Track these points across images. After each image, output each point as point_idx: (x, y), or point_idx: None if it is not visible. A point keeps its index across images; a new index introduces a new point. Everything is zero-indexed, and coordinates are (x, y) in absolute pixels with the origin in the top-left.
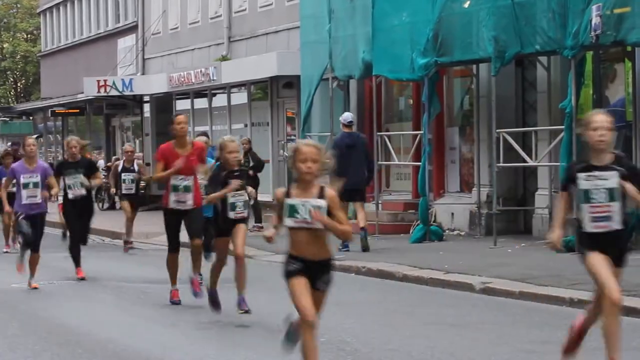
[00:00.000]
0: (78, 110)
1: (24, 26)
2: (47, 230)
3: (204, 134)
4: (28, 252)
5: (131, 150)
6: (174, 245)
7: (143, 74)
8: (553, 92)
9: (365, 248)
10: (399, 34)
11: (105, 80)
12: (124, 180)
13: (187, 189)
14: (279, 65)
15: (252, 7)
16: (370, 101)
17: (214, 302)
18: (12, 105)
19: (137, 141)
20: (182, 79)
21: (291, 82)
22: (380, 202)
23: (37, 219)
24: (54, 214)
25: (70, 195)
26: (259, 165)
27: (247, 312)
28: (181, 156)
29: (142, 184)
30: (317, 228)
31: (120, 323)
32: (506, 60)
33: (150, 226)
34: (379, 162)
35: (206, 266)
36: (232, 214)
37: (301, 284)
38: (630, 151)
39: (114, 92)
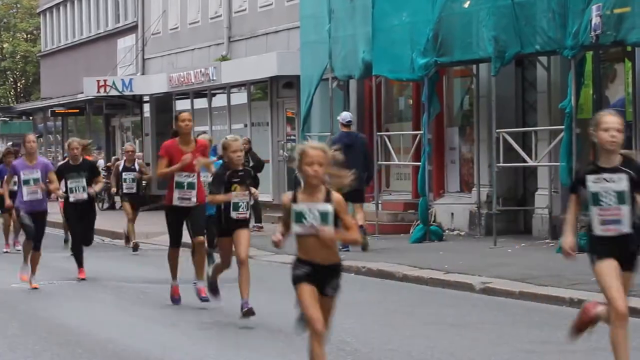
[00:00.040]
0: (78, 110)
1: (24, 26)
2: (48, 230)
3: (205, 133)
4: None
5: (132, 150)
6: (175, 241)
7: (143, 74)
8: (553, 92)
9: (364, 247)
10: (399, 34)
11: (105, 80)
12: (125, 179)
13: (191, 185)
14: (278, 65)
15: (252, 7)
16: (370, 101)
17: (214, 291)
18: (12, 105)
19: (137, 141)
20: (182, 79)
21: (291, 82)
22: (380, 202)
23: (38, 217)
24: (55, 214)
25: (71, 199)
26: (259, 165)
27: (251, 312)
28: (187, 153)
29: (144, 183)
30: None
31: (120, 323)
32: (506, 60)
33: (150, 226)
34: (379, 162)
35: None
36: (234, 214)
37: (309, 291)
38: None
39: (113, 92)
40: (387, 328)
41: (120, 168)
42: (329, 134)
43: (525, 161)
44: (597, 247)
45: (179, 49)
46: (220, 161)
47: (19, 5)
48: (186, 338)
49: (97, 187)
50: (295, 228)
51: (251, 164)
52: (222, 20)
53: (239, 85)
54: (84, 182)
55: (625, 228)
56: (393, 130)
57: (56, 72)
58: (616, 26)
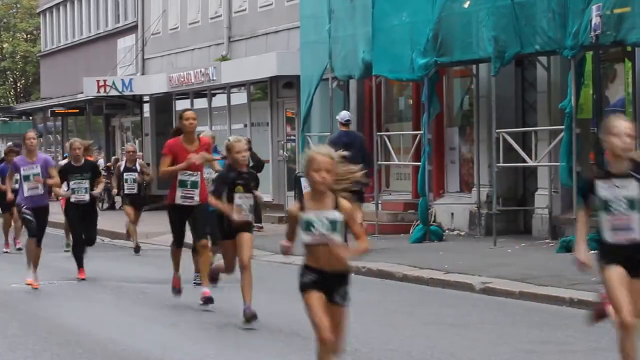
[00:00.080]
0: (78, 111)
1: (24, 26)
2: (48, 230)
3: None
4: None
5: (133, 150)
6: (178, 241)
7: (143, 74)
8: (553, 92)
9: None
10: (399, 34)
11: (105, 80)
12: (127, 180)
13: (194, 184)
14: (278, 65)
15: (252, 7)
16: (370, 101)
17: (214, 280)
18: (11, 105)
19: (137, 141)
20: (182, 79)
21: (291, 82)
22: (380, 202)
23: (39, 213)
24: (56, 214)
25: (72, 199)
26: (259, 165)
27: (254, 316)
28: (191, 151)
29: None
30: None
31: (120, 323)
32: (506, 60)
33: (151, 226)
34: (379, 162)
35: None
36: (237, 216)
37: (317, 299)
38: None
39: (113, 92)
40: (387, 328)
41: (122, 169)
42: (329, 134)
43: (525, 161)
44: (606, 253)
45: (179, 49)
46: (224, 161)
47: (19, 5)
48: (186, 338)
49: (98, 188)
50: (305, 237)
51: (251, 164)
52: (222, 20)
53: (239, 85)
54: (86, 183)
55: (637, 235)
56: (393, 130)
57: (56, 72)
58: (616, 26)
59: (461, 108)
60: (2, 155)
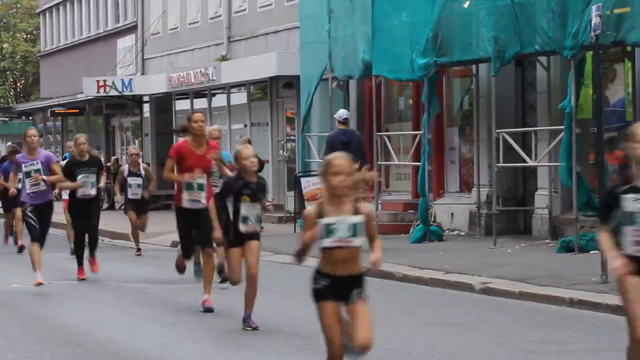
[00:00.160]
0: (77, 111)
1: (24, 26)
2: (50, 230)
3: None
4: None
5: (136, 153)
6: (187, 254)
7: (142, 74)
8: (553, 92)
9: None
10: (398, 34)
11: (104, 81)
12: (130, 185)
13: (201, 187)
14: (278, 66)
15: (251, 7)
16: (370, 101)
17: (222, 272)
18: (11, 105)
19: (137, 141)
20: (182, 79)
21: (291, 82)
22: (380, 202)
23: (44, 210)
24: (58, 213)
25: (78, 194)
26: (259, 165)
27: (254, 329)
28: (199, 155)
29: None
30: (354, 246)
31: (120, 323)
32: (506, 60)
33: (150, 226)
34: (379, 162)
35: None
36: (243, 227)
37: (331, 311)
38: None
39: (113, 92)
40: (386, 328)
41: (125, 173)
42: (329, 134)
43: (525, 161)
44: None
45: (179, 49)
46: (227, 152)
47: (18, 5)
48: (186, 338)
49: (102, 181)
50: (325, 242)
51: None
52: (221, 20)
53: (239, 85)
54: (93, 177)
55: None
56: (393, 130)
57: (56, 72)
58: (616, 26)
59: (461, 108)
60: (2, 155)
